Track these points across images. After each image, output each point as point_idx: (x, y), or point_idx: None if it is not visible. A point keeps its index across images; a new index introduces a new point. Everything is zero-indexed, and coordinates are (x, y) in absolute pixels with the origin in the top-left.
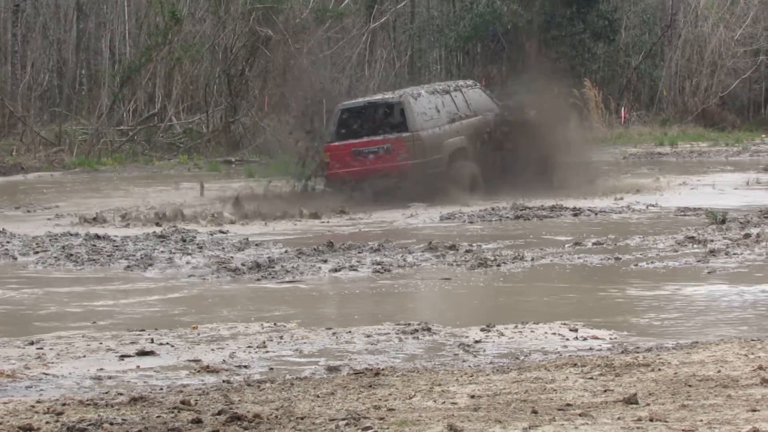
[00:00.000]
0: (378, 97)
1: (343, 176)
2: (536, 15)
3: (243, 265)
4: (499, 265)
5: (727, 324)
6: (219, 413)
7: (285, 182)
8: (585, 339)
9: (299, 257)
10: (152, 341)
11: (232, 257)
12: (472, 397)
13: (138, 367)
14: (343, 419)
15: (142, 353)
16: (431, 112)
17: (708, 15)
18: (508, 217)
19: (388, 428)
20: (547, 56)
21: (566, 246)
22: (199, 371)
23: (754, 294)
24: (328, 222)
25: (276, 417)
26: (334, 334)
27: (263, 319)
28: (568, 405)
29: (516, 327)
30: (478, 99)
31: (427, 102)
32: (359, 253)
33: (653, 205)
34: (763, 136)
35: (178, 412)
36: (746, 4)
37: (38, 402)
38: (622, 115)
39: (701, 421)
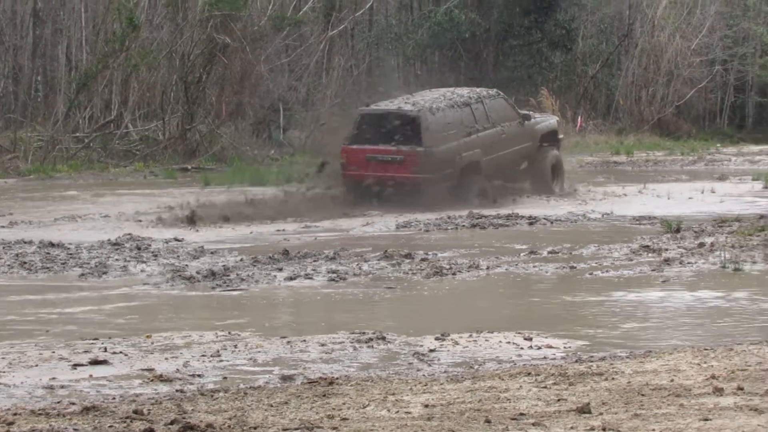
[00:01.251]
0: (397, 107)
1: (356, 178)
2: (494, 24)
3: (198, 273)
4: (454, 274)
5: (681, 333)
6: (172, 423)
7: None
8: (539, 348)
9: (254, 265)
10: (105, 350)
11: (186, 265)
12: (426, 406)
13: (91, 376)
14: (297, 429)
15: (95, 362)
16: (448, 126)
17: (665, 25)
18: (464, 226)
19: None
20: (504, 65)
21: (521, 255)
22: (152, 380)
23: (707, 303)
24: (284, 230)
25: (229, 426)
26: (288, 342)
27: (217, 327)
28: (522, 414)
29: (470, 336)
30: (499, 109)
31: (444, 116)
32: (315, 261)
33: (608, 214)
34: (718, 145)
35: (131, 421)
36: (702, 15)
37: None
38: (579, 123)
39: (654, 430)
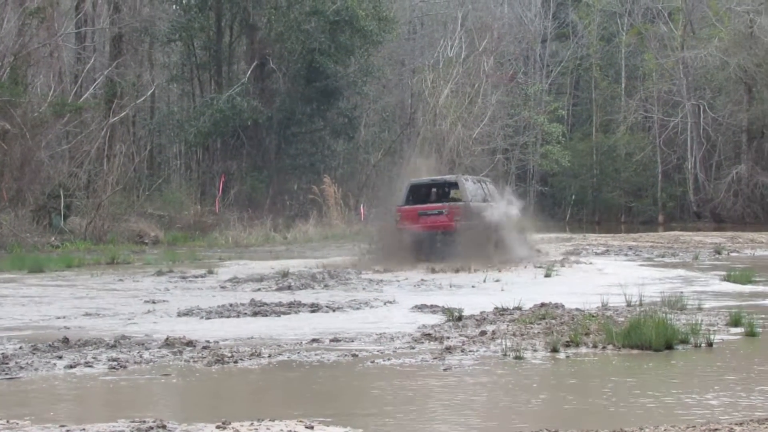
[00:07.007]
0: (438, 177)
1: (409, 229)
2: (276, 111)
3: None
4: (236, 362)
5: (460, 421)
6: None
7: None
8: None
9: (34, 353)
10: None
11: None
12: None
13: None
14: None
15: None
16: (475, 191)
17: (446, 114)
18: (246, 314)
19: None
20: (287, 152)
21: (304, 343)
22: None
23: (487, 391)
24: (65, 317)
25: None
26: (67, 431)
27: None
28: None
29: (252, 424)
30: (492, 190)
31: (472, 184)
32: (95, 349)
33: (391, 302)
34: None
35: None
36: (484, 104)
37: None
38: (362, 212)
39: None
